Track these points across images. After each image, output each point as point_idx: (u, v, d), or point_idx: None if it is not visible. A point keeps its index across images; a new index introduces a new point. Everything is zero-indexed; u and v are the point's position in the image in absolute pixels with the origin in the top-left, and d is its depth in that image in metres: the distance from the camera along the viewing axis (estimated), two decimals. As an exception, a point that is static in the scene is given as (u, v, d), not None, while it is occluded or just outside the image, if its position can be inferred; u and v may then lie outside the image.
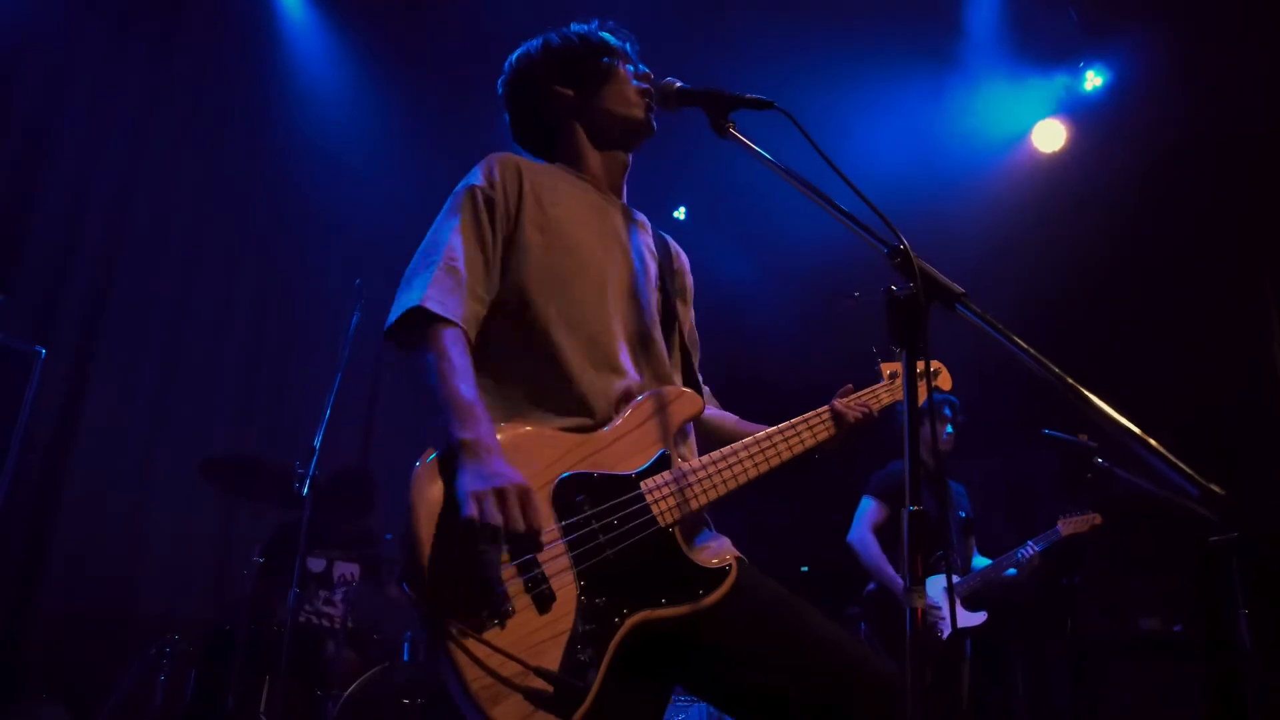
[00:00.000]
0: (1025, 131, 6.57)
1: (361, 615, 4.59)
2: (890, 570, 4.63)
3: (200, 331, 5.74)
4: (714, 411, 2.31)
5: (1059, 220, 6.15)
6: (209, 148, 6.05)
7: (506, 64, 2.29)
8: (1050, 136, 6.45)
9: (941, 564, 4.69)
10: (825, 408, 2.18)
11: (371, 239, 6.45)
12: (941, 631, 4.54)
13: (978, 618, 4.69)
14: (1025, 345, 1.49)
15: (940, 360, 2.53)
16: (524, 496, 1.65)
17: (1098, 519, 4.72)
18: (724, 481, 1.94)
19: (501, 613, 1.64)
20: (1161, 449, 1.36)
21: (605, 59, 2.20)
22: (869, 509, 4.86)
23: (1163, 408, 5.65)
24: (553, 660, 1.65)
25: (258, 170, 6.23)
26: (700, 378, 2.31)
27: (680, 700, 5.40)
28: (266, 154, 6.26)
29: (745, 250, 7.74)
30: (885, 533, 4.76)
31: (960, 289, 1.54)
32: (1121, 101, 6.20)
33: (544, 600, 1.69)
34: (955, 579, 4.74)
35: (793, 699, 1.75)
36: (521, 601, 1.67)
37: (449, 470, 1.69)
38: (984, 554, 5.03)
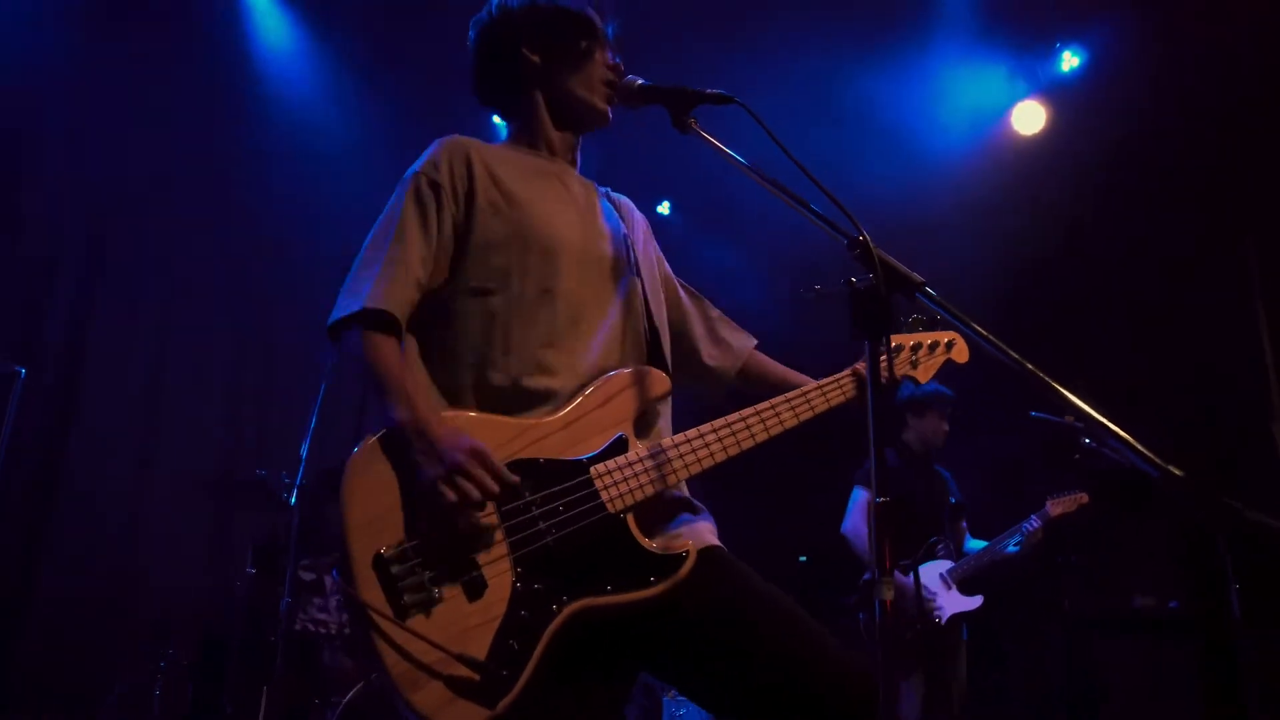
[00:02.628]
0: (1003, 113, 6.55)
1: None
2: None
3: (185, 343, 5.73)
4: (743, 352, 2.28)
5: (1039, 202, 6.16)
6: (189, 158, 6.02)
7: (485, 8, 2.21)
8: (1029, 118, 6.44)
9: (937, 551, 4.75)
10: (816, 383, 2.08)
11: (355, 246, 6.41)
12: (940, 617, 4.54)
13: (974, 602, 4.67)
14: (985, 332, 1.49)
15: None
16: (481, 458, 1.67)
17: (1084, 498, 4.71)
18: (686, 466, 1.88)
19: (427, 599, 1.64)
20: (1122, 433, 1.36)
21: (584, 40, 2.13)
22: (861, 499, 4.83)
23: (1147, 388, 5.70)
24: (480, 647, 1.63)
25: (239, 179, 6.19)
26: (704, 329, 2.29)
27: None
28: (247, 161, 6.21)
29: (732, 242, 7.72)
30: None
31: (920, 278, 1.54)
32: (1098, 82, 6.19)
33: (475, 587, 1.67)
34: (949, 564, 4.73)
35: (761, 690, 1.72)
36: (451, 589, 1.66)
37: (379, 458, 1.71)
38: (976, 538, 5.04)
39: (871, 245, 1.56)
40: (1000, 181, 6.36)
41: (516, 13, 2.15)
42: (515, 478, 1.71)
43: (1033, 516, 4.74)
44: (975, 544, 4.93)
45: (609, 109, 2.16)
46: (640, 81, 2.06)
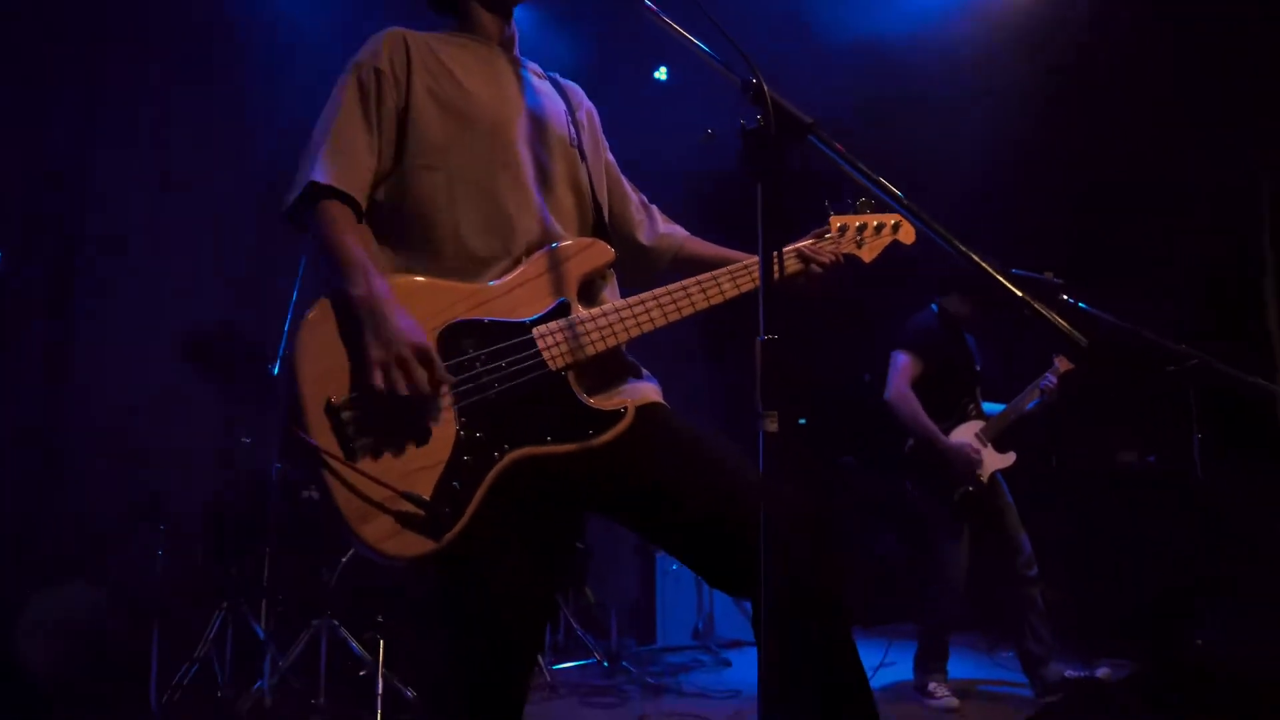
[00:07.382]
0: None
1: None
2: (933, 426, 4.68)
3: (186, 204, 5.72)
4: (678, 237, 2.40)
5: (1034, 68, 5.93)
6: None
7: None
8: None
9: (969, 412, 4.85)
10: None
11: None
12: (983, 475, 4.67)
13: (1009, 459, 4.80)
14: (884, 182, 1.50)
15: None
16: (425, 358, 1.77)
17: (1084, 342, 4.72)
18: (626, 329, 1.99)
19: (375, 443, 1.77)
20: (1031, 299, 1.40)
21: None
22: (903, 363, 4.83)
23: (1153, 263, 5.63)
24: (426, 487, 1.77)
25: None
26: (643, 215, 2.39)
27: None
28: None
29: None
30: (920, 387, 4.78)
31: (810, 119, 1.55)
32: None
33: (421, 434, 1.80)
34: (980, 424, 4.84)
35: (700, 527, 1.89)
36: (398, 435, 1.79)
37: (331, 319, 1.81)
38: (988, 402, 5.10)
39: (764, 86, 1.58)
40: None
41: None
42: (451, 379, 1.81)
43: (1046, 374, 4.88)
44: (992, 407, 5.00)
45: None
46: None
